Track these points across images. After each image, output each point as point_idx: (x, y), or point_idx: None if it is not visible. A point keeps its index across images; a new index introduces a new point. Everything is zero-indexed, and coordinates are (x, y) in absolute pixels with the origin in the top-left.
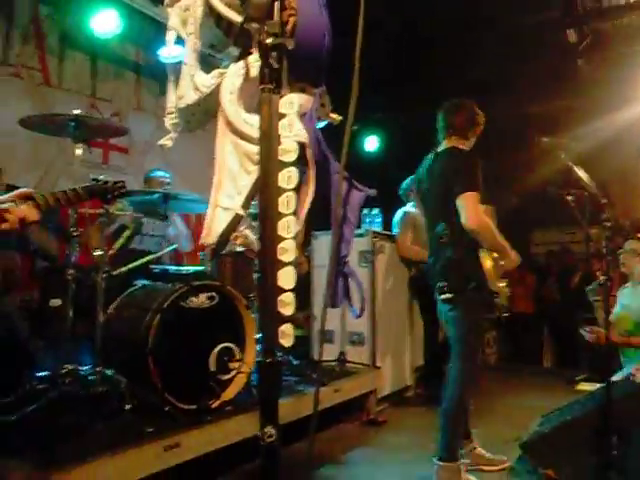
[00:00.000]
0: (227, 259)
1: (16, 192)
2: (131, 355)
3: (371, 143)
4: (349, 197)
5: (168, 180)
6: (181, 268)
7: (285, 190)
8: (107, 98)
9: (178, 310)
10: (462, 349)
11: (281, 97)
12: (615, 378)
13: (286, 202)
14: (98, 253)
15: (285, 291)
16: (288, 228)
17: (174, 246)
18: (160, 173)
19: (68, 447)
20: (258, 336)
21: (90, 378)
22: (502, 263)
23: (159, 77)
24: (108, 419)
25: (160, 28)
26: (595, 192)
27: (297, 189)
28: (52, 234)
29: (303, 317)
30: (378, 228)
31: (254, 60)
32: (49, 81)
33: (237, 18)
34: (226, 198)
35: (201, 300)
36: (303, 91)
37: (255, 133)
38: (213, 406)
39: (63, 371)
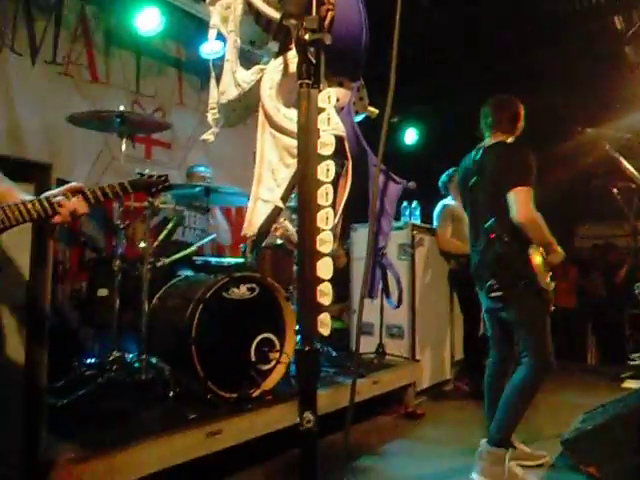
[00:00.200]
0: (267, 251)
1: (67, 186)
2: (175, 344)
3: (410, 136)
4: (386, 189)
5: (209, 175)
6: (222, 260)
7: (323, 183)
8: (150, 94)
9: (220, 301)
10: (530, 345)
11: (319, 91)
12: None
13: (325, 194)
14: (142, 245)
15: (323, 281)
16: (327, 220)
17: (213, 236)
18: (201, 169)
19: (114, 431)
20: (297, 327)
21: (136, 365)
22: (548, 258)
23: (200, 73)
24: (152, 405)
25: (201, 25)
26: None
27: (335, 182)
28: (99, 226)
29: (342, 309)
30: (417, 221)
31: (292, 56)
32: (96, 78)
33: (276, 15)
34: (266, 191)
35: (242, 291)
36: (341, 85)
37: (294, 127)
38: (253, 395)
39: (110, 358)
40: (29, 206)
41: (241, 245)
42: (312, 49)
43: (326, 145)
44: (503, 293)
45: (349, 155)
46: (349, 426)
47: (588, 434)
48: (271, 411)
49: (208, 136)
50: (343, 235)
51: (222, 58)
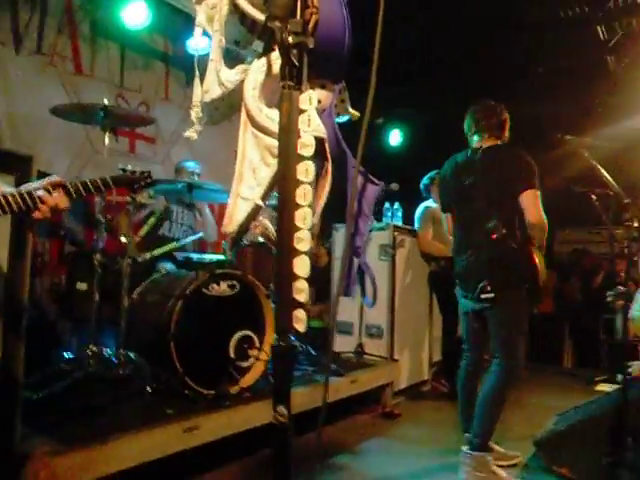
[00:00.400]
0: (249, 249)
1: (48, 180)
2: (154, 339)
3: (394, 137)
4: (364, 190)
5: (197, 171)
6: (204, 256)
7: (303, 182)
8: (135, 88)
9: (200, 297)
10: (506, 346)
11: (301, 93)
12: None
13: (303, 194)
14: (124, 240)
15: (300, 278)
16: (305, 219)
17: (200, 235)
18: (190, 164)
19: (91, 425)
20: None
21: (114, 360)
22: None
23: (187, 68)
24: (130, 400)
25: (188, 20)
26: (619, 192)
27: (315, 182)
28: (79, 220)
29: (322, 309)
30: (399, 222)
31: (276, 57)
32: (81, 70)
33: (260, 16)
34: (246, 189)
35: (223, 288)
36: (323, 87)
37: (276, 127)
38: (232, 392)
39: (88, 352)
40: (10, 199)
41: (223, 242)
42: (295, 51)
43: (306, 146)
44: (495, 295)
45: (329, 156)
46: (322, 421)
47: (561, 435)
48: (249, 408)
49: (191, 134)
50: (323, 235)
51: (208, 55)
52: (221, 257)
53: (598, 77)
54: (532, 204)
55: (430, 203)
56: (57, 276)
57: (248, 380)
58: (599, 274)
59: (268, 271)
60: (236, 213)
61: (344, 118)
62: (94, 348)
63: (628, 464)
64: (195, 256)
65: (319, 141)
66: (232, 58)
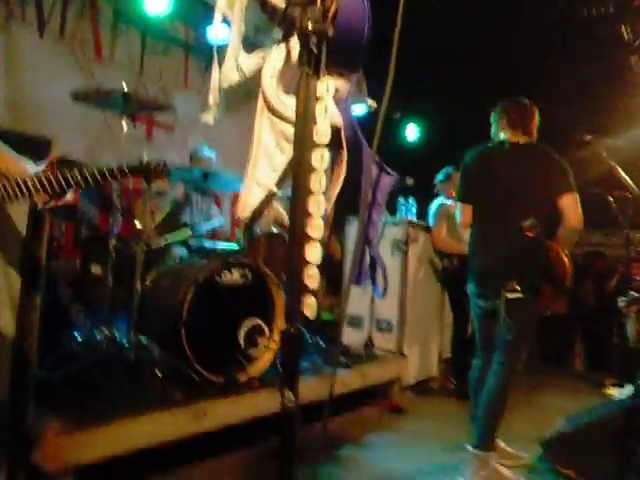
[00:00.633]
0: (262, 239)
1: (50, 158)
2: (165, 325)
3: (411, 132)
4: (379, 181)
5: (213, 159)
6: (217, 245)
7: (317, 170)
8: (155, 75)
9: (212, 285)
10: (516, 345)
11: (319, 81)
12: None
13: (318, 181)
14: (139, 225)
15: (311, 265)
16: (318, 206)
17: (219, 222)
18: (206, 151)
19: (101, 406)
20: None
21: (125, 344)
22: None
23: (207, 56)
24: (140, 384)
25: (209, 8)
26: (638, 194)
27: (329, 170)
28: (95, 204)
29: (334, 302)
30: (413, 218)
31: (295, 43)
32: (101, 55)
33: (281, 3)
34: (262, 175)
35: (235, 277)
36: (341, 76)
37: (292, 114)
38: (241, 380)
39: (100, 336)
40: (29, 183)
41: (236, 228)
42: (314, 39)
43: (322, 134)
44: (525, 295)
45: (344, 145)
46: (327, 412)
47: (568, 437)
48: (257, 396)
49: (207, 117)
50: (337, 226)
51: (227, 43)
52: (234, 246)
53: (622, 77)
54: (574, 208)
55: (445, 199)
56: (72, 259)
57: (257, 369)
58: (614, 277)
59: (280, 261)
60: (250, 199)
61: (364, 107)
62: (106, 331)
63: (636, 470)
64: (208, 244)
65: (335, 129)
66: (252, 44)
